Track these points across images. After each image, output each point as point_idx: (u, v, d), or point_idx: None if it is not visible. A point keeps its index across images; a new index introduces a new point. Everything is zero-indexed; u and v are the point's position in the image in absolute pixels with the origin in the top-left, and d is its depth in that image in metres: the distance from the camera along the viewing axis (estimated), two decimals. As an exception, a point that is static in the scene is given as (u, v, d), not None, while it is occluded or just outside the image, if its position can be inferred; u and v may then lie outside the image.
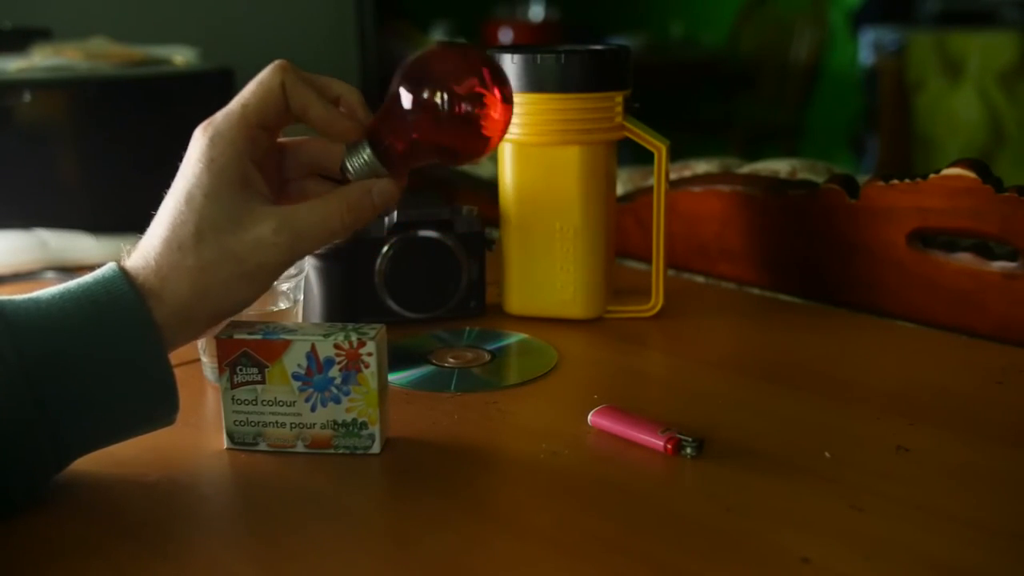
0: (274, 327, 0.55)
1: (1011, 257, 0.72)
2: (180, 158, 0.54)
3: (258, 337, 0.53)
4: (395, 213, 0.73)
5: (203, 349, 0.65)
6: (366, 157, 0.54)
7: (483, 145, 0.55)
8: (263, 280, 0.52)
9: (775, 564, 0.44)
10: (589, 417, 0.58)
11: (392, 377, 0.65)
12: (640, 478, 0.52)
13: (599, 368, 0.70)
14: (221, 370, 0.54)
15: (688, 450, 0.54)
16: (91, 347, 0.48)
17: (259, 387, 0.54)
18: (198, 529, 0.48)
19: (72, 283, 0.50)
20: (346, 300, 0.73)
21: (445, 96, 0.52)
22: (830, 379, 0.66)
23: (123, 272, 0.50)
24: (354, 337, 0.53)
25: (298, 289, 0.66)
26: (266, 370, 0.54)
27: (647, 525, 0.48)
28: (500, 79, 0.54)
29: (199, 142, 0.53)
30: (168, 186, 0.53)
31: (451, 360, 0.68)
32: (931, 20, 3.32)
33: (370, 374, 0.53)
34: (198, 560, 0.45)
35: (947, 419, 0.59)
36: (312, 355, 0.53)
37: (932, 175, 0.73)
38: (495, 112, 0.54)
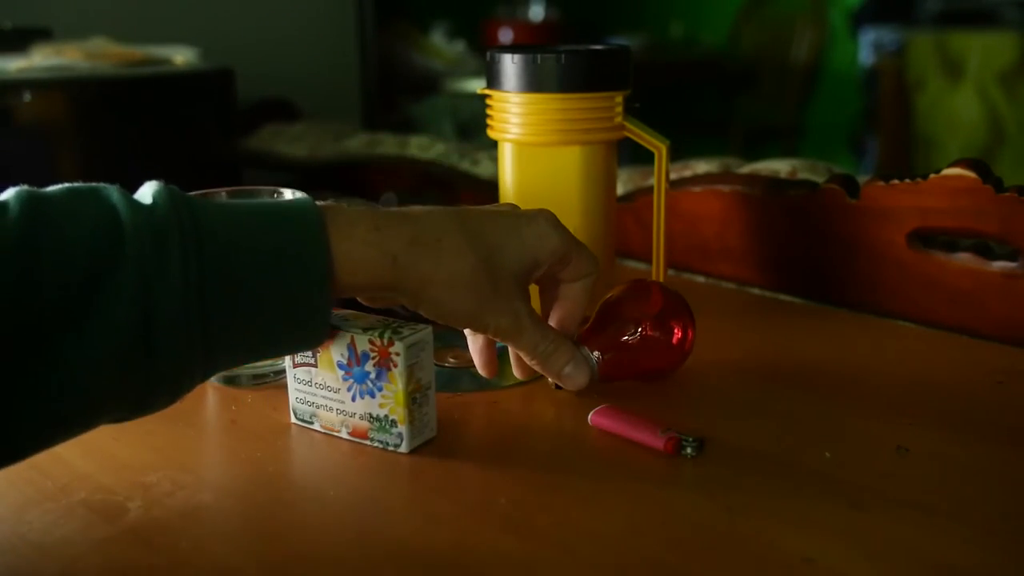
0: (334, 314, 0.57)
1: (1011, 257, 0.72)
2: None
3: None
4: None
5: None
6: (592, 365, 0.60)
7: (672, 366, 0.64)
8: (437, 300, 0.52)
9: (776, 564, 0.44)
10: (589, 417, 0.58)
11: None
12: (640, 478, 0.52)
13: (599, 368, 0.70)
14: None
15: (688, 450, 0.54)
16: (263, 255, 0.47)
17: (313, 370, 0.57)
18: (199, 529, 0.48)
19: (266, 201, 0.50)
20: (346, 300, 0.73)
21: (641, 329, 0.62)
22: (830, 379, 0.66)
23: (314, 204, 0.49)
24: (388, 335, 0.54)
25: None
26: (318, 355, 0.56)
27: (647, 525, 0.48)
28: (688, 316, 0.63)
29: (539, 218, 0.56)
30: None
31: (451, 360, 0.68)
32: (931, 20, 3.32)
33: (398, 373, 0.54)
34: (199, 560, 0.45)
35: (947, 419, 0.59)
36: (352, 347, 0.55)
37: (932, 175, 0.73)
38: (680, 342, 0.63)
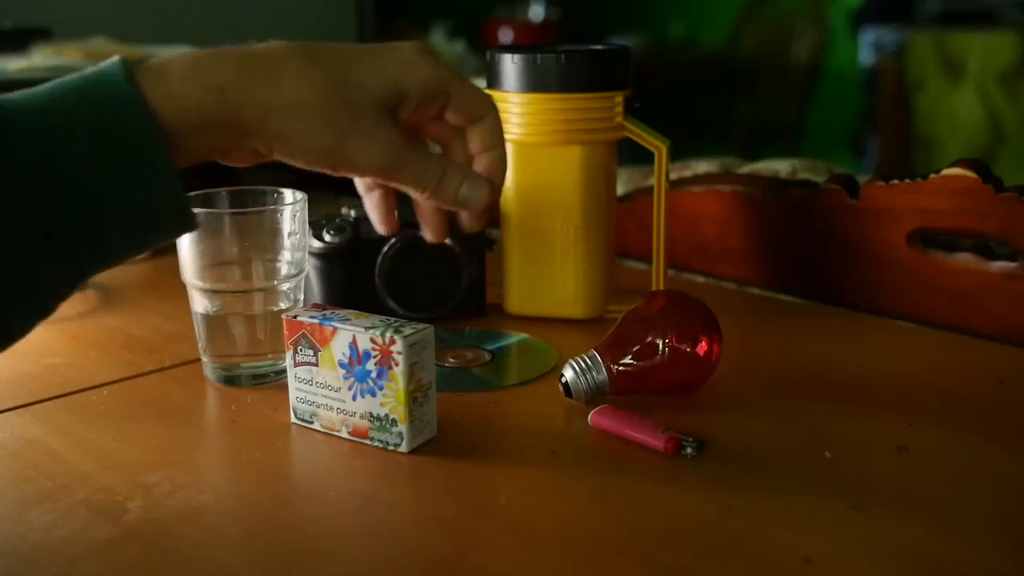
0: (331, 313, 0.57)
1: (1011, 257, 0.72)
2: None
3: (315, 321, 0.56)
4: (395, 213, 0.73)
5: (204, 348, 0.65)
6: (601, 376, 0.59)
7: (695, 383, 0.61)
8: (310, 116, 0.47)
9: (776, 564, 0.44)
10: (589, 417, 0.58)
11: None
12: (640, 478, 0.52)
13: (599, 368, 0.70)
14: (287, 347, 0.57)
15: (688, 450, 0.54)
16: (83, 146, 0.43)
17: (314, 369, 0.56)
18: (199, 529, 0.48)
19: (73, 76, 0.45)
20: (346, 300, 0.73)
21: (668, 342, 0.59)
22: (830, 379, 0.66)
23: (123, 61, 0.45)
24: (389, 334, 0.54)
25: (298, 289, 0.66)
26: (319, 354, 0.56)
27: (647, 525, 0.48)
28: (715, 329, 0.61)
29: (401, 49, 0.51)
30: None
31: (451, 360, 0.68)
32: (931, 20, 3.32)
33: (399, 372, 0.54)
34: (199, 561, 0.45)
35: (947, 419, 0.59)
36: (353, 346, 0.55)
37: (932, 175, 0.73)
38: (707, 355, 0.60)
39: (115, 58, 0.45)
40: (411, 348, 0.54)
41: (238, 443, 0.57)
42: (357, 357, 0.55)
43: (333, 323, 0.55)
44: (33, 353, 0.70)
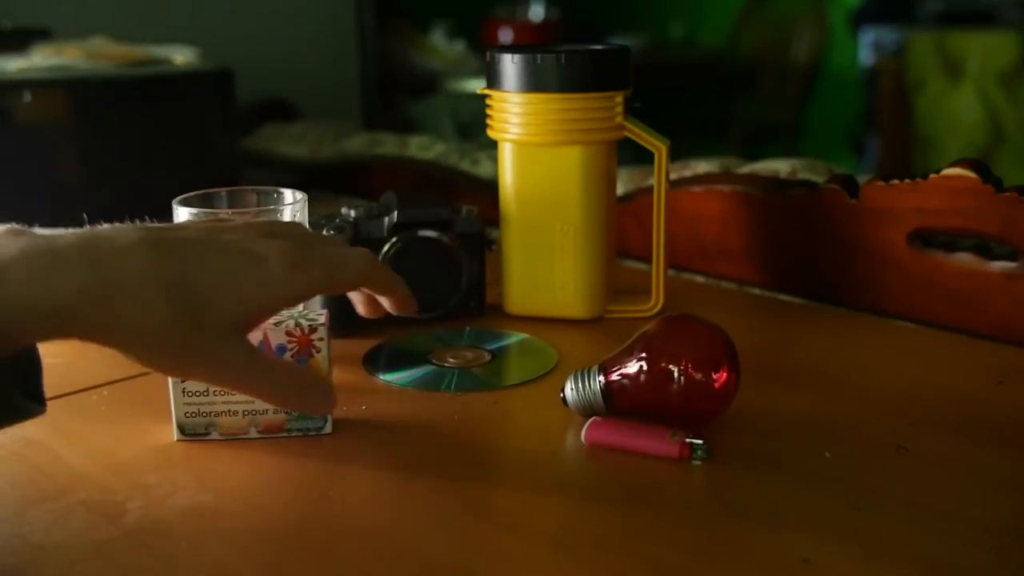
0: None
1: (1011, 257, 0.72)
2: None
3: None
4: (395, 213, 0.73)
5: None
6: (595, 386, 0.56)
7: (708, 415, 0.56)
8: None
9: (775, 564, 0.44)
10: (583, 435, 0.55)
11: (392, 377, 0.65)
12: (640, 478, 0.52)
13: (599, 368, 0.70)
14: None
15: (699, 452, 0.53)
16: None
17: None
18: (199, 530, 0.48)
19: None
20: (346, 300, 0.73)
21: (682, 370, 0.54)
22: (830, 379, 0.66)
23: None
24: (304, 324, 0.55)
25: (298, 289, 0.66)
26: None
27: (646, 525, 0.48)
28: (732, 355, 0.56)
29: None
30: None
31: (451, 360, 0.68)
32: (931, 20, 3.32)
33: (322, 358, 0.55)
34: (199, 561, 0.45)
35: (947, 419, 0.59)
36: (264, 343, 0.55)
37: (932, 175, 0.73)
38: (723, 386, 0.55)
39: None
40: (327, 332, 0.55)
41: (238, 443, 0.57)
42: (269, 353, 0.55)
43: None
44: (33, 353, 0.69)
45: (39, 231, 0.44)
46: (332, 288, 0.54)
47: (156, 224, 0.49)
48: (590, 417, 0.56)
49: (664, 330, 0.57)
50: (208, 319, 0.46)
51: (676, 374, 0.54)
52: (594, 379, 0.57)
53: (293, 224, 0.55)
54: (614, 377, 0.56)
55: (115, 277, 0.43)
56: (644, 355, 0.55)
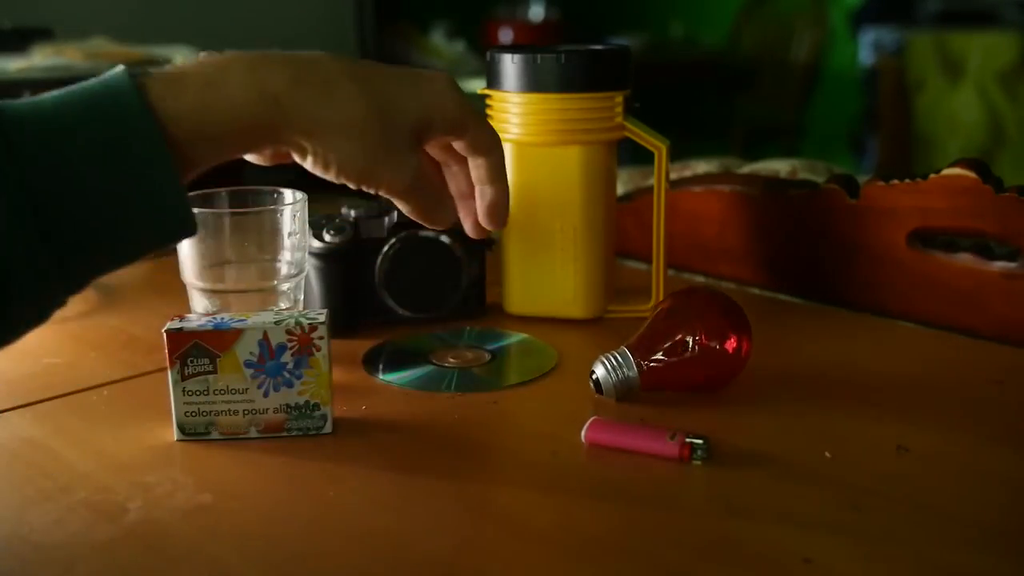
0: (221, 317, 0.57)
1: (1011, 257, 0.72)
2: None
3: (209, 328, 0.55)
4: (395, 213, 0.73)
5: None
6: (631, 369, 0.59)
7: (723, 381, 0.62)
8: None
9: (776, 564, 0.44)
10: (583, 434, 0.56)
11: (392, 377, 0.65)
12: (640, 478, 0.52)
13: (599, 368, 0.70)
14: (171, 363, 0.55)
15: (699, 452, 0.53)
16: (90, 160, 0.43)
17: (211, 377, 0.55)
18: (199, 529, 0.48)
19: (77, 87, 0.46)
20: (346, 300, 0.73)
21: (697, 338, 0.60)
22: (830, 379, 0.66)
23: (128, 74, 0.45)
24: (305, 322, 0.55)
25: (298, 289, 0.66)
26: (218, 360, 0.55)
27: (647, 525, 0.48)
28: (744, 326, 0.61)
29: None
30: None
31: (451, 360, 0.68)
32: (931, 20, 3.32)
33: (321, 357, 0.56)
34: (199, 561, 0.45)
35: (947, 419, 0.59)
36: (264, 342, 0.55)
37: (932, 175, 0.73)
38: (736, 352, 0.61)
39: (120, 67, 0.46)
40: (328, 331, 0.55)
41: (238, 442, 0.57)
42: (269, 352, 0.55)
43: (232, 325, 0.55)
44: (33, 353, 0.70)
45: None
46: (471, 123, 0.55)
47: None
48: (621, 399, 0.60)
49: (684, 305, 0.62)
50: (396, 120, 0.51)
51: (691, 344, 0.59)
52: (631, 366, 0.59)
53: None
54: (645, 362, 0.59)
55: (319, 72, 0.49)
56: (675, 335, 0.60)
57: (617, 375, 0.59)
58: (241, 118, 0.47)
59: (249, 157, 0.53)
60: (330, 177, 0.51)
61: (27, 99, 0.44)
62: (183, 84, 0.46)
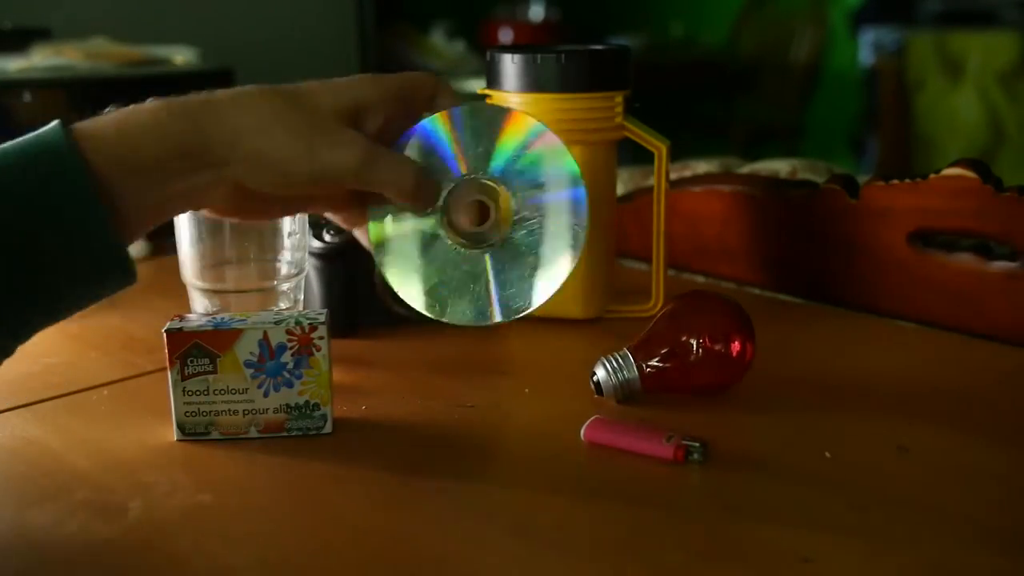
0: (221, 317, 0.57)
1: (1011, 257, 0.72)
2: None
3: (209, 328, 0.55)
4: None
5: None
6: (632, 372, 0.59)
7: (726, 384, 0.61)
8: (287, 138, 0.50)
9: (775, 564, 0.44)
10: (582, 432, 0.56)
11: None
12: (640, 478, 0.52)
13: (599, 368, 0.70)
14: (171, 363, 0.55)
15: (695, 455, 0.53)
16: (23, 211, 0.45)
17: (211, 377, 0.55)
18: (199, 529, 0.48)
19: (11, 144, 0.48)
20: (346, 300, 0.73)
21: (702, 342, 0.59)
22: (830, 379, 0.66)
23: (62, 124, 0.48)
24: (305, 322, 0.55)
25: (298, 289, 0.66)
26: (218, 360, 0.55)
27: (647, 525, 0.48)
28: (748, 329, 0.61)
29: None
30: None
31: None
32: (931, 20, 3.32)
33: (322, 356, 0.56)
34: (199, 560, 0.45)
35: (947, 419, 0.59)
36: (264, 342, 0.55)
37: (932, 175, 0.73)
38: (740, 355, 0.60)
39: (55, 123, 0.48)
40: (328, 332, 0.55)
41: (237, 442, 0.57)
42: (269, 352, 0.55)
43: (232, 325, 0.55)
44: (33, 353, 0.69)
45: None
46: (415, 90, 0.57)
47: None
48: (621, 401, 0.59)
49: (687, 307, 0.62)
50: (313, 104, 0.51)
51: (695, 347, 0.59)
52: (631, 368, 0.59)
53: None
54: (647, 364, 0.59)
55: (229, 92, 0.50)
56: (678, 338, 0.59)
57: (618, 377, 0.59)
58: (166, 136, 0.48)
59: (203, 207, 0.53)
60: (280, 188, 0.51)
61: None
62: (101, 120, 0.49)
